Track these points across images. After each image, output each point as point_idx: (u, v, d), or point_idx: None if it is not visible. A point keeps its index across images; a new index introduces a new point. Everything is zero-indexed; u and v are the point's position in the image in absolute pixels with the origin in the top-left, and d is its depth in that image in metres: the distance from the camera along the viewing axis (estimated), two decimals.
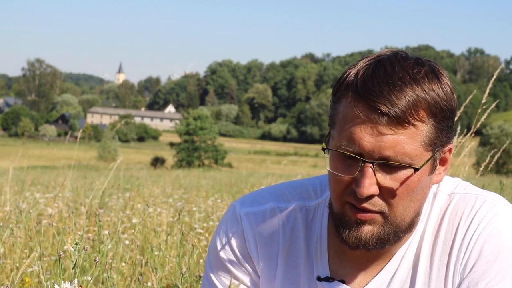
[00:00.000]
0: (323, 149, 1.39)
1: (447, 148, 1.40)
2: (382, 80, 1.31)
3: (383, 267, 1.46)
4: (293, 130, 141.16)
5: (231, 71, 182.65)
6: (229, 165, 56.39)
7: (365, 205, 1.34)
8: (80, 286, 1.70)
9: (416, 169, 1.33)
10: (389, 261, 1.46)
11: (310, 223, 1.53)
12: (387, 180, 1.33)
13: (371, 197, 1.34)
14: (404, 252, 1.45)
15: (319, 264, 1.50)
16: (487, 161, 3.59)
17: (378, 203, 1.34)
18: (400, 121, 1.29)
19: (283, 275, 1.52)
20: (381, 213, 1.35)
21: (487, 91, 3.18)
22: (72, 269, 1.93)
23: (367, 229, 1.36)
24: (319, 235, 1.51)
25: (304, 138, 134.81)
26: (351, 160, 1.34)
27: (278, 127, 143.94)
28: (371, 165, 1.32)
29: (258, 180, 13.38)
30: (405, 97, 1.29)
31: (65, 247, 1.85)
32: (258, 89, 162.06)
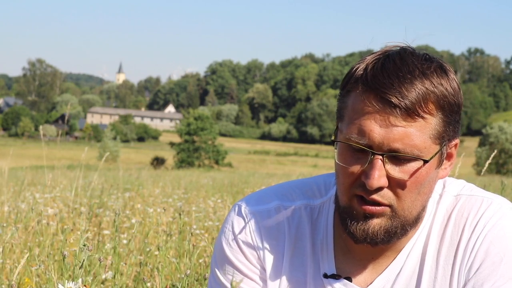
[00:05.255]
0: (332, 141, 1.40)
1: (453, 143, 1.41)
2: (392, 73, 1.32)
3: (389, 265, 1.47)
4: (293, 130, 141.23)
5: (231, 71, 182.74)
6: (229, 165, 56.36)
7: (375, 196, 1.35)
8: (85, 286, 1.69)
9: (425, 161, 1.34)
10: (395, 258, 1.46)
11: (316, 221, 1.53)
12: (396, 172, 1.34)
13: (380, 189, 1.34)
14: (410, 250, 1.45)
15: (325, 261, 1.50)
16: (488, 162, 3.57)
17: (387, 195, 1.35)
18: (410, 113, 1.30)
19: (289, 273, 1.52)
20: (389, 206, 1.36)
21: None
22: (80, 268, 1.92)
23: (375, 222, 1.37)
24: (325, 232, 1.51)
25: (304, 138, 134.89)
26: (360, 153, 1.34)
27: (278, 127, 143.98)
28: (380, 157, 1.32)
29: (259, 181, 13.37)
30: (415, 89, 1.31)
31: (72, 249, 1.84)
32: (258, 89, 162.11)
